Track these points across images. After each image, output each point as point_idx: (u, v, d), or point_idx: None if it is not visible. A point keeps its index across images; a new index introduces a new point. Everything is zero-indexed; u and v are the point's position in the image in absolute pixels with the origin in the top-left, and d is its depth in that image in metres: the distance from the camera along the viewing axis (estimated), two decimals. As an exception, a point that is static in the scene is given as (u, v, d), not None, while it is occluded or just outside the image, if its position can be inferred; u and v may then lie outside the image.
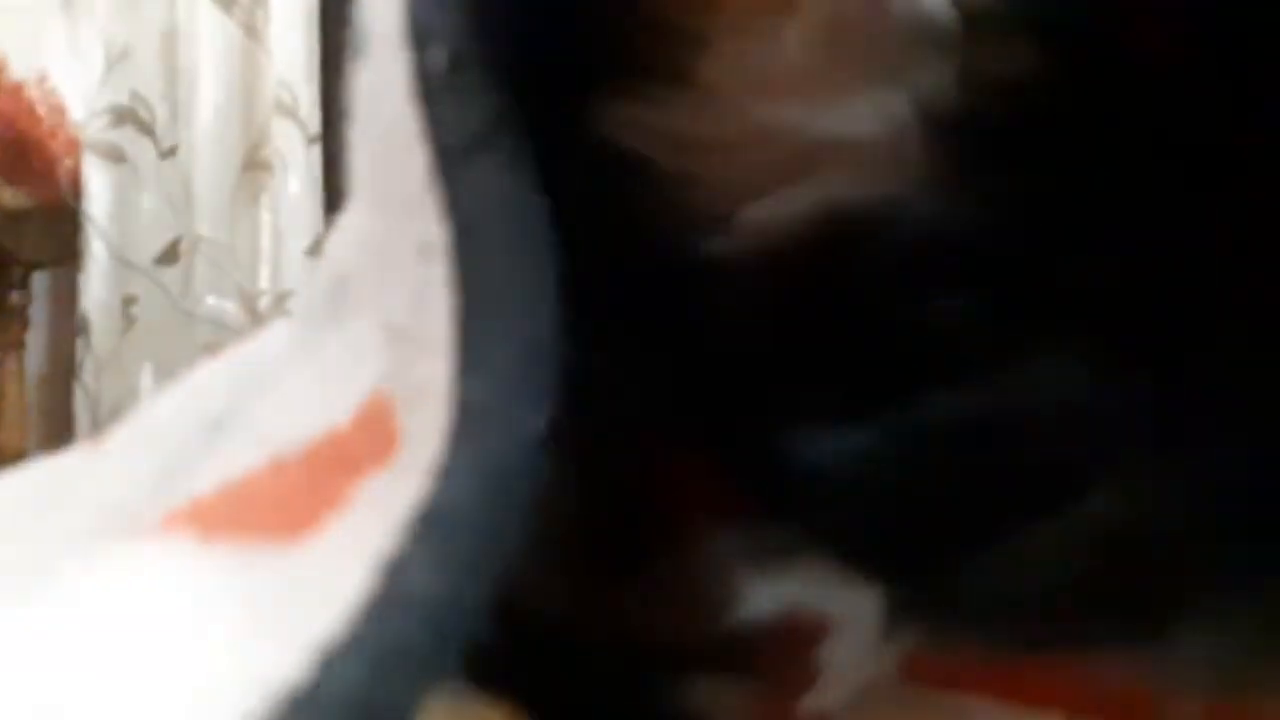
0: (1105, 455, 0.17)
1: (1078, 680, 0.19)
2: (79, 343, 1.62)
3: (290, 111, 1.61)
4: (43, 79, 1.61)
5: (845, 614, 0.19)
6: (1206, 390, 0.17)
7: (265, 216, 1.63)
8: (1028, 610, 0.18)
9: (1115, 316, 0.17)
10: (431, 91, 0.18)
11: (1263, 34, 0.16)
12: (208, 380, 0.31)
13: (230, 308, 1.63)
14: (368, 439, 0.19)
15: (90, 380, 1.61)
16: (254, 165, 1.62)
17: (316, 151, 1.61)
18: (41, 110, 1.60)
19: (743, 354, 0.19)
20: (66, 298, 1.66)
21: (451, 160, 0.18)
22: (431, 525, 0.15)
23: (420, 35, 0.19)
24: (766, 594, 0.19)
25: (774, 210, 0.19)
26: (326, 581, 0.16)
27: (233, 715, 0.13)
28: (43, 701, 0.14)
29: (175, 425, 0.29)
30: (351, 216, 0.23)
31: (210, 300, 1.62)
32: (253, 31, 1.61)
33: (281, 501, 0.19)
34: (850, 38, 0.19)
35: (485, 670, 0.20)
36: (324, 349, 0.24)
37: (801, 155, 0.19)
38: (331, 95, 1.60)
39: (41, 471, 0.30)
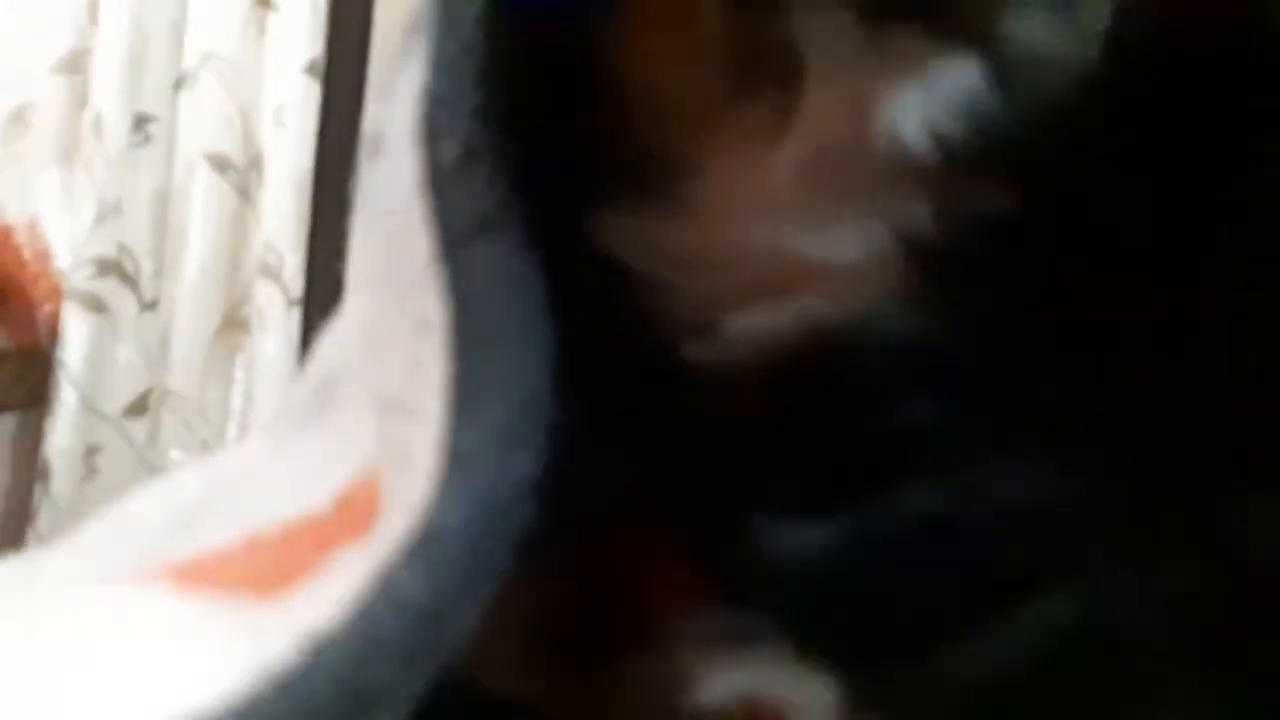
0: (1058, 557, 0.18)
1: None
2: (37, 488, 1.60)
3: (274, 274, 1.62)
4: (33, 224, 1.63)
5: (803, 703, 0.19)
6: (1159, 501, 0.17)
7: (239, 375, 1.63)
8: (977, 710, 0.18)
9: (1072, 425, 0.18)
10: (441, 181, 0.19)
11: (1210, 177, 0.18)
12: (179, 481, 0.31)
13: (194, 464, 1.61)
14: (348, 519, 0.20)
15: (45, 528, 1.59)
16: (233, 324, 1.63)
17: (296, 315, 1.62)
18: (27, 255, 1.62)
19: (717, 448, 0.20)
20: (31, 442, 1.64)
21: (456, 243, 0.19)
22: (425, 542, 0.16)
23: (435, 132, 0.20)
24: (727, 680, 0.19)
25: (756, 322, 0.20)
26: (302, 620, 0.16)
27: (225, 693, 0.14)
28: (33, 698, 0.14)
29: (146, 519, 0.29)
30: (344, 311, 0.24)
31: (175, 455, 1.61)
32: (246, 195, 1.64)
33: (255, 568, 0.20)
34: (835, 169, 0.20)
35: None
36: (305, 445, 0.24)
37: (784, 275, 0.20)
38: (317, 261, 1.62)
39: (3, 567, 0.30)
